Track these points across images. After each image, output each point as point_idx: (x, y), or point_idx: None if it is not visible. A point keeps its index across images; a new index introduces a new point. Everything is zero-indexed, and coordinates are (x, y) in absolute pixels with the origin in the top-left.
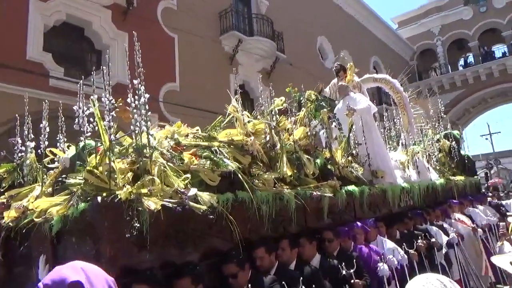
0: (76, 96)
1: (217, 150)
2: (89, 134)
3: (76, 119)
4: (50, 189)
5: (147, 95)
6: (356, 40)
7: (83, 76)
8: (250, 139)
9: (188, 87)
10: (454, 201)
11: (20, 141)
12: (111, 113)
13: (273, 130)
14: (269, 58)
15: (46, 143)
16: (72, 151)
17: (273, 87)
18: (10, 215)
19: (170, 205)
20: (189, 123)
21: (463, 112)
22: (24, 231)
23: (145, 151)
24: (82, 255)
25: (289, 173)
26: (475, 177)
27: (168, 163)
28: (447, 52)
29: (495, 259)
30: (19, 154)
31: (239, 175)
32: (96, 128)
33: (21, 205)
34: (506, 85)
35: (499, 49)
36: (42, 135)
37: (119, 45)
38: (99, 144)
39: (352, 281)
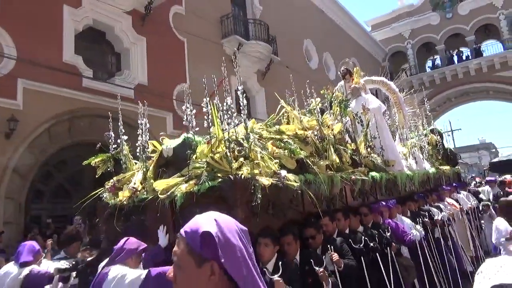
0: (103, 96)
1: (288, 142)
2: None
3: (185, 116)
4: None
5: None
6: (336, 42)
7: (206, 79)
8: (309, 133)
9: (196, 87)
10: (445, 187)
11: (113, 135)
12: (228, 112)
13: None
14: (264, 60)
15: (146, 137)
16: (172, 142)
17: (267, 87)
18: (124, 195)
19: (275, 182)
20: (199, 121)
21: (430, 110)
22: (133, 208)
23: (244, 141)
24: None
25: (338, 160)
26: (456, 167)
27: (262, 151)
28: (416, 54)
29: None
30: (113, 146)
31: (308, 161)
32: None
33: (132, 186)
34: (468, 86)
35: (465, 52)
36: (141, 131)
37: (138, 48)
38: (208, 137)
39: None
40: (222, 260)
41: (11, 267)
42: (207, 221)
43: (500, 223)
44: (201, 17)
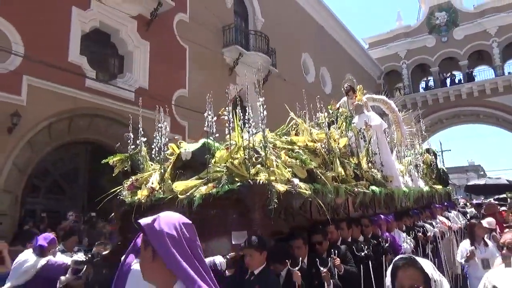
0: (105, 96)
1: (299, 152)
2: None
3: (206, 122)
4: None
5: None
6: (334, 57)
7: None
8: (319, 145)
9: (195, 93)
10: (437, 205)
11: (132, 136)
12: (250, 121)
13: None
14: (263, 72)
15: (165, 139)
16: (190, 146)
17: (265, 98)
18: (143, 193)
19: (289, 189)
20: (196, 127)
21: (424, 130)
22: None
23: (261, 150)
24: (222, 222)
25: (343, 172)
26: (448, 187)
27: (277, 160)
28: (411, 74)
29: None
30: (131, 147)
31: (317, 172)
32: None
33: (150, 186)
34: (459, 109)
35: (457, 75)
36: (160, 134)
37: (141, 52)
38: (228, 143)
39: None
40: (154, 245)
41: (29, 255)
42: (151, 217)
43: (464, 244)
44: (204, 26)
